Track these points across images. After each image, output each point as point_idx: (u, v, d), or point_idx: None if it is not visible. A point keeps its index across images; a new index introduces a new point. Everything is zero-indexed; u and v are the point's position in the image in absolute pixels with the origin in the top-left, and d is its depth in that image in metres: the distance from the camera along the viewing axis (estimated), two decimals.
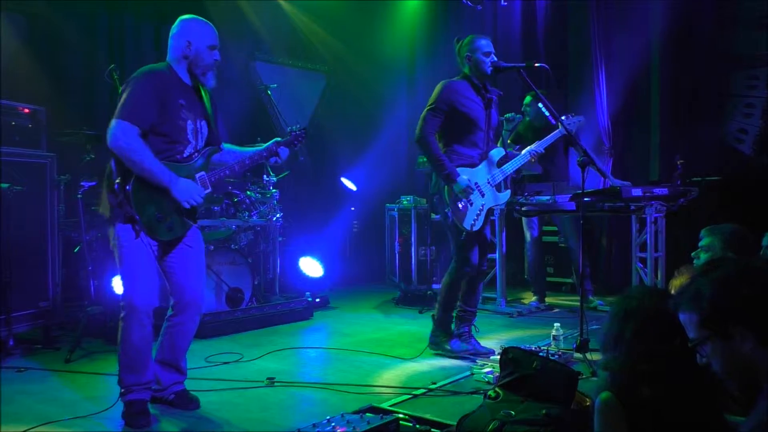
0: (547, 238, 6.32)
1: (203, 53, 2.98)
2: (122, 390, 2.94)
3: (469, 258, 4.00)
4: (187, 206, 2.93)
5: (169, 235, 2.93)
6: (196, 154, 3.05)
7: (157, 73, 2.91)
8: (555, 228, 6.33)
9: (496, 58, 3.93)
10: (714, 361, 1.51)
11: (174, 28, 3.05)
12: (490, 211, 4.07)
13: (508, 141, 5.42)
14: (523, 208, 5.44)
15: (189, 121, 2.97)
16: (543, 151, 4.23)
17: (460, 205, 3.86)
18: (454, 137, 3.93)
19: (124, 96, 2.84)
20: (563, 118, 4.35)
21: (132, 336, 2.90)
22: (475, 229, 3.92)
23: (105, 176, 2.93)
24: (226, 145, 3.29)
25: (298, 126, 3.42)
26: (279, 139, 3.27)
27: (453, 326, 4.13)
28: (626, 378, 1.78)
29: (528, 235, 5.89)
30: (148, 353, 3.00)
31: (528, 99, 5.74)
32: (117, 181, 2.83)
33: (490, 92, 3.99)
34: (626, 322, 1.83)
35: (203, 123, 3.08)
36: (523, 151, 4.21)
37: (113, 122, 2.79)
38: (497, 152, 4.09)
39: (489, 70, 3.91)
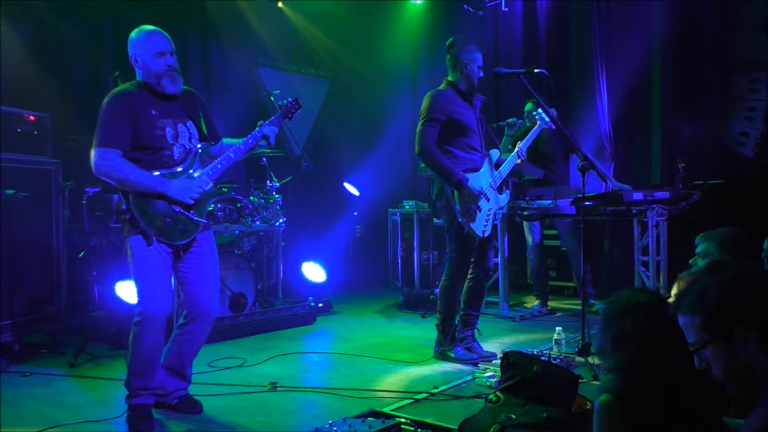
0: (549, 242, 6.32)
1: (150, 63, 2.97)
2: (129, 393, 2.97)
3: (469, 264, 4.04)
4: (191, 202, 2.97)
5: (184, 237, 2.97)
6: (189, 153, 3.07)
7: (121, 93, 2.97)
8: (556, 232, 6.34)
9: (482, 74, 4.02)
10: (715, 364, 1.51)
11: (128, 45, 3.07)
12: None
13: (509, 146, 5.44)
14: (525, 213, 5.46)
15: (168, 128, 3.00)
16: (525, 150, 4.24)
17: (471, 211, 3.87)
18: (452, 144, 3.95)
19: (97, 124, 2.92)
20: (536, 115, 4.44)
21: (144, 342, 2.94)
22: (486, 234, 3.95)
23: (119, 200, 3.00)
24: (226, 140, 3.33)
25: (289, 99, 3.40)
26: (261, 122, 3.28)
27: (457, 333, 4.13)
28: (628, 373, 1.78)
29: (530, 240, 5.90)
30: (158, 359, 3.04)
31: (529, 105, 5.75)
32: (124, 200, 2.92)
33: (475, 97, 4.06)
34: (622, 318, 1.84)
35: (188, 123, 3.11)
36: (512, 154, 4.23)
37: (92, 153, 2.89)
38: (494, 153, 4.14)
39: (476, 83, 4.01)
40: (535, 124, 4.43)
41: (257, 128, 3.23)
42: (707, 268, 1.64)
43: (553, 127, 4.26)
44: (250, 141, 3.18)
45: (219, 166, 3.09)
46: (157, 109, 2.99)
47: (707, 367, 1.52)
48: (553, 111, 4.69)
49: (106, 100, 2.96)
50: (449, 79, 4.05)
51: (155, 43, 2.98)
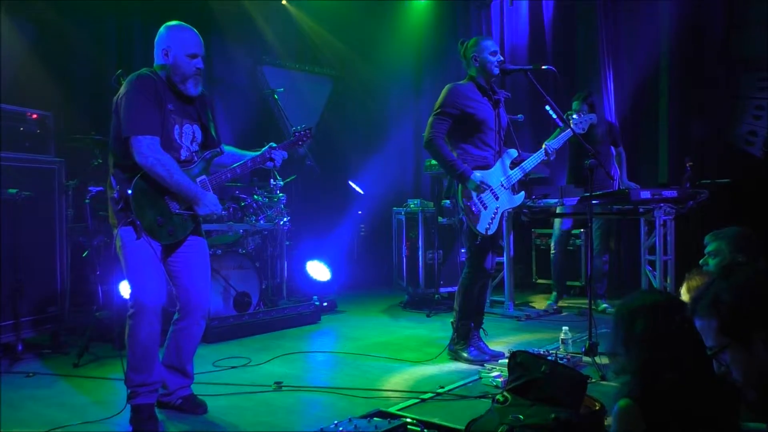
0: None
1: (181, 62, 2.94)
2: (129, 390, 2.94)
3: (483, 263, 3.99)
4: (219, 212, 2.98)
5: (171, 239, 2.96)
6: (195, 156, 3.07)
7: (145, 78, 2.92)
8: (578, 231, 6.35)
9: (502, 57, 3.93)
10: (734, 368, 1.47)
11: (157, 34, 3.02)
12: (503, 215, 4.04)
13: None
14: (558, 210, 5.40)
15: (176, 125, 2.98)
16: (555, 150, 4.14)
17: (473, 209, 3.83)
18: (465, 139, 3.92)
19: (127, 109, 2.85)
20: (575, 117, 4.30)
21: (140, 334, 2.90)
22: (490, 233, 3.89)
23: (107, 188, 2.97)
24: (227, 147, 3.30)
25: (303, 126, 3.42)
26: (273, 144, 3.28)
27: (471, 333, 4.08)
28: (643, 376, 1.75)
29: (557, 231, 5.90)
30: (155, 353, 3.00)
31: (575, 104, 5.61)
32: (117, 188, 2.88)
33: (497, 93, 3.98)
34: (633, 320, 1.81)
35: (195, 127, 3.09)
36: (538, 151, 4.10)
37: (133, 140, 2.81)
38: (512, 152, 4.06)
39: (496, 69, 3.90)
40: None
41: (266, 148, 3.25)
42: (721, 270, 1.60)
43: (560, 123, 4.20)
44: (257, 160, 3.22)
45: (223, 178, 3.11)
46: (173, 105, 2.97)
47: (726, 372, 1.48)
48: (591, 116, 4.49)
49: (129, 85, 2.89)
50: (470, 74, 4.00)
51: (191, 44, 2.96)
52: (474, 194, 3.83)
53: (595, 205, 5.02)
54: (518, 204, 4.14)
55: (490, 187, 3.88)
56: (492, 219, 3.89)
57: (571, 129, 4.06)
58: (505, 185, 3.97)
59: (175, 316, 3.16)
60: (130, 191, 2.83)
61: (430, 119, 3.90)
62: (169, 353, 3.14)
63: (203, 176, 3.05)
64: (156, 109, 2.88)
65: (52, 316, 4.37)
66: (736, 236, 2.92)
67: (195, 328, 3.15)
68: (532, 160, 4.04)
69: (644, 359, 1.75)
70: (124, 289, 4.42)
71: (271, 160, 3.23)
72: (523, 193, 4.15)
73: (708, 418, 1.67)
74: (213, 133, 3.17)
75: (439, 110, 3.88)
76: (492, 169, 3.94)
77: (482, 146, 3.93)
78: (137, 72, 2.97)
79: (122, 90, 2.92)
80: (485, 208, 3.86)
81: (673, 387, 1.70)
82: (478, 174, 3.81)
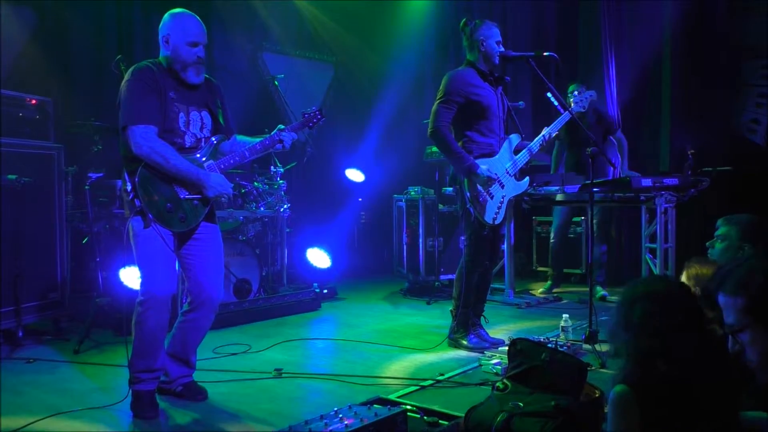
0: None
1: (181, 50, 2.93)
2: (132, 374, 2.95)
3: (485, 252, 3.97)
4: (225, 200, 2.95)
5: (183, 226, 2.94)
6: (202, 142, 3.05)
7: (144, 69, 2.92)
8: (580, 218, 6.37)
9: (503, 48, 3.90)
10: (751, 349, 1.48)
11: (161, 21, 3.01)
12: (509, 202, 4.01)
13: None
14: (556, 198, 5.39)
15: (181, 113, 2.97)
16: (555, 133, 4.08)
17: (480, 199, 3.80)
18: (470, 127, 3.87)
19: (122, 101, 2.86)
20: (576, 93, 4.27)
21: (148, 322, 2.91)
22: (497, 222, 3.88)
23: (122, 181, 2.96)
24: (239, 137, 3.28)
25: (313, 108, 3.39)
26: (282, 126, 3.26)
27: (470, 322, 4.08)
28: (638, 363, 1.74)
29: (555, 223, 6.00)
30: (162, 341, 3.02)
31: (571, 87, 5.60)
32: (128, 180, 2.88)
33: (497, 77, 3.95)
34: (633, 306, 1.80)
35: (203, 113, 3.08)
36: (537, 137, 4.05)
37: (128, 130, 2.82)
38: (515, 138, 4.01)
39: (497, 60, 3.87)
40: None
41: (275, 131, 3.22)
42: (758, 251, 1.61)
43: (561, 110, 4.16)
44: (267, 143, 3.18)
45: (231, 162, 3.08)
46: (175, 92, 2.96)
47: (741, 351, 1.49)
48: (591, 93, 4.44)
49: (128, 76, 2.90)
50: (469, 59, 3.95)
51: (192, 33, 2.94)
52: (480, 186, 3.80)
53: (596, 193, 5.00)
54: (523, 190, 4.13)
55: (497, 179, 3.85)
56: (498, 208, 3.87)
57: (569, 112, 4.02)
58: (510, 172, 3.94)
59: (185, 308, 3.15)
60: (136, 179, 2.83)
61: (435, 107, 3.84)
62: (174, 343, 3.14)
63: (210, 161, 3.03)
64: (153, 98, 2.87)
65: (52, 303, 4.38)
66: (748, 223, 2.89)
67: (203, 322, 3.15)
68: (537, 142, 4.00)
69: (641, 346, 1.74)
70: (125, 275, 4.42)
71: (281, 142, 3.19)
72: (527, 178, 4.12)
73: (708, 410, 1.67)
74: (221, 121, 3.16)
75: (443, 98, 3.82)
76: (497, 155, 3.91)
77: (487, 133, 3.89)
78: (137, 63, 2.97)
79: (122, 84, 2.92)
80: (492, 197, 3.84)
81: (669, 376, 1.69)
82: (484, 167, 3.76)
